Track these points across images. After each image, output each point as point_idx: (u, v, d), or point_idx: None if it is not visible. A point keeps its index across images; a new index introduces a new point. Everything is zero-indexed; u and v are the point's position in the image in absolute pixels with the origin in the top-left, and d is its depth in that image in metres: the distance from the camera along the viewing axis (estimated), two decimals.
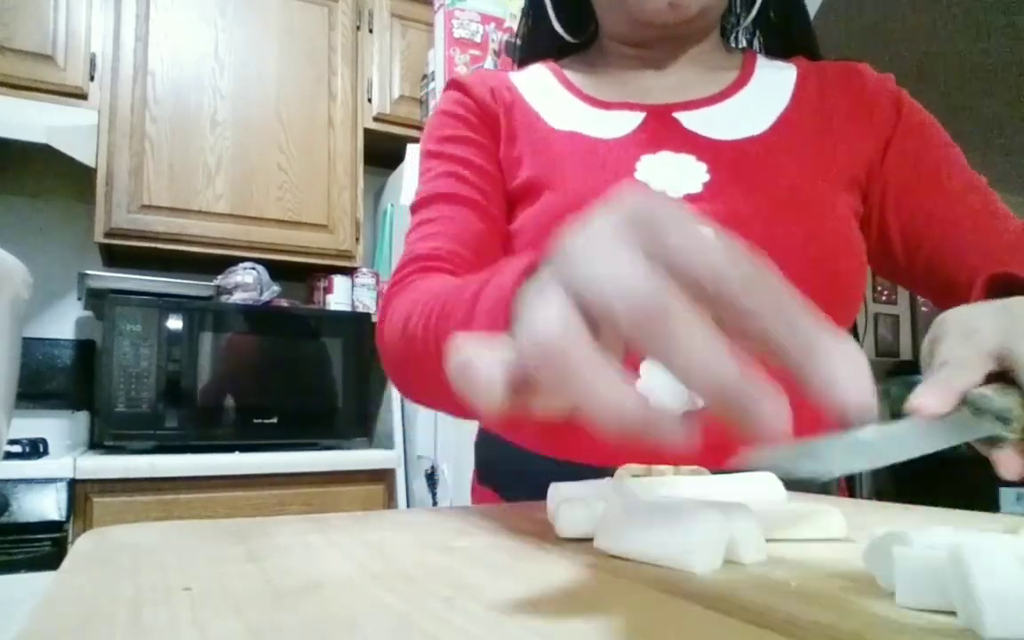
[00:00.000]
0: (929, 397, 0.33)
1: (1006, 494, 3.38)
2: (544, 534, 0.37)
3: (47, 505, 1.58)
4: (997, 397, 0.34)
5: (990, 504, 3.29)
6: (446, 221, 0.61)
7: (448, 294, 0.44)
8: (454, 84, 0.71)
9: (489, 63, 1.91)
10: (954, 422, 0.34)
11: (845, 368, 0.22)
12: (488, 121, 0.67)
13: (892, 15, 2.81)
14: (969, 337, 0.37)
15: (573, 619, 0.23)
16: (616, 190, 0.26)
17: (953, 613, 0.22)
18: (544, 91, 0.69)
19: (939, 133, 0.66)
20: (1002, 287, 0.48)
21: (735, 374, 0.21)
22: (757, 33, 0.75)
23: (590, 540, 0.34)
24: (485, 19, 1.97)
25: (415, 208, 0.65)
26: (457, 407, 0.47)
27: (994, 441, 0.34)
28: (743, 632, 0.21)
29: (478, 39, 1.96)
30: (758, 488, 0.39)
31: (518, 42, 0.78)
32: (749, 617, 0.23)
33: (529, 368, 0.24)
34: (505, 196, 0.66)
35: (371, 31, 2.32)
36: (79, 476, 1.62)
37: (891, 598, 0.24)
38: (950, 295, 0.64)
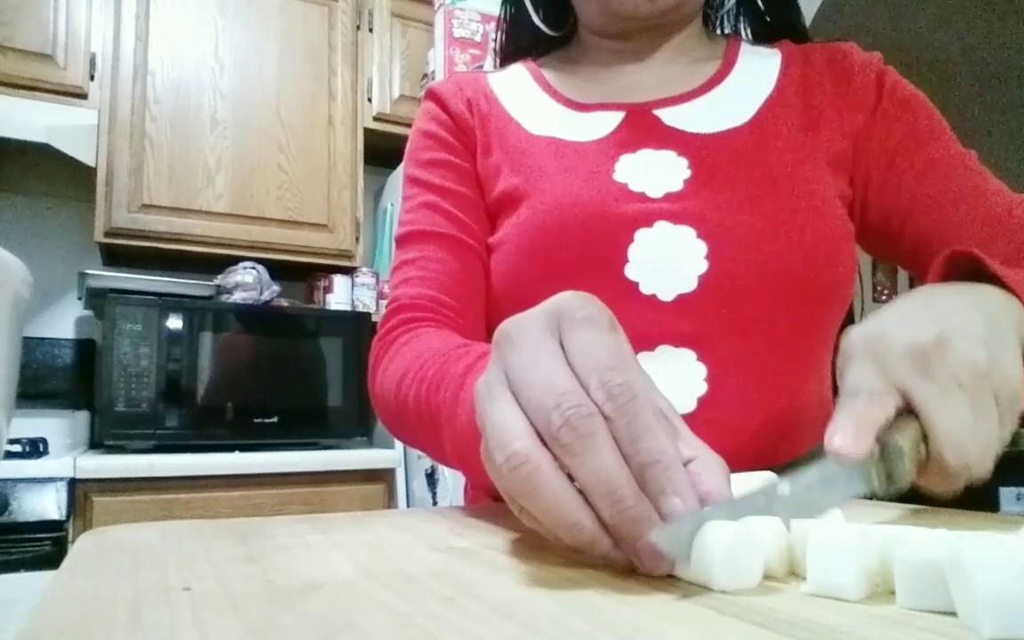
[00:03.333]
0: (847, 439, 0.33)
1: (1006, 494, 3.38)
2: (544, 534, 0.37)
3: (47, 505, 1.58)
4: (899, 438, 0.34)
5: (990, 504, 3.29)
6: (425, 263, 0.63)
7: (436, 368, 0.50)
8: (430, 94, 0.71)
9: (489, 63, 1.91)
10: (862, 463, 0.33)
11: (672, 499, 0.27)
12: (463, 135, 0.67)
13: (891, 14, 2.81)
14: (879, 364, 0.36)
15: (573, 619, 0.23)
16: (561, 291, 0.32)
17: (953, 613, 0.22)
18: (522, 95, 0.69)
19: (926, 108, 0.64)
20: (964, 266, 0.47)
21: (631, 510, 0.27)
22: (742, 19, 0.73)
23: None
24: (485, 19, 1.97)
25: (399, 242, 0.67)
26: (441, 457, 0.53)
27: (891, 479, 0.34)
28: (743, 632, 0.21)
29: (478, 38, 1.96)
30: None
31: (501, 36, 0.77)
32: (750, 617, 0.23)
33: (504, 481, 0.29)
34: (485, 208, 0.66)
35: (371, 31, 2.32)
36: (79, 476, 1.62)
37: (891, 598, 0.24)
38: None
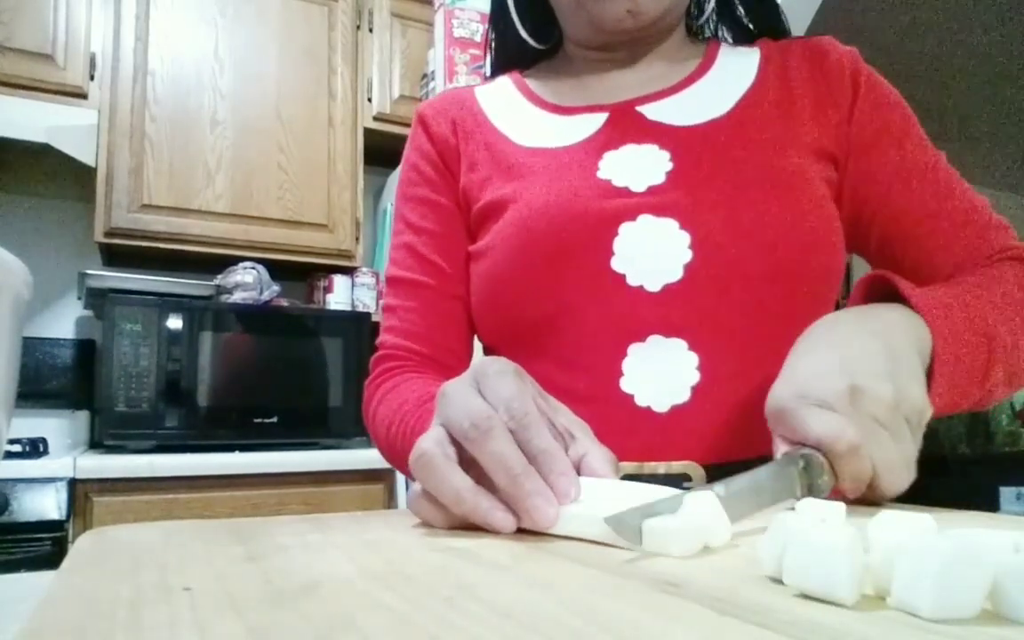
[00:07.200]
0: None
1: (1006, 494, 3.38)
2: (544, 534, 0.37)
3: (47, 505, 1.58)
4: (820, 455, 0.41)
5: (990, 504, 3.29)
6: (402, 313, 0.69)
7: (417, 415, 0.59)
8: (418, 117, 0.73)
9: (488, 64, 1.91)
10: (787, 476, 0.40)
11: (559, 476, 0.37)
12: (445, 159, 0.70)
13: (890, 14, 2.81)
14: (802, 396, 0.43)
15: (573, 619, 0.23)
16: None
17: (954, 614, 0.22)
18: (508, 108, 0.70)
19: (900, 107, 0.65)
20: (883, 289, 0.52)
21: (519, 476, 0.37)
22: (722, 27, 0.74)
23: (590, 541, 0.34)
24: (485, 19, 1.97)
25: (387, 282, 0.73)
26: None
27: (812, 489, 0.41)
28: (745, 632, 0.21)
29: (478, 39, 1.96)
30: None
31: (490, 50, 0.79)
32: (750, 617, 0.23)
33: (415, 475, 0.39)
34: (469, 221, 0.68)
35: (371, 31, 2.32)
36: (79, 476, 1.62)
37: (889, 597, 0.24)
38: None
